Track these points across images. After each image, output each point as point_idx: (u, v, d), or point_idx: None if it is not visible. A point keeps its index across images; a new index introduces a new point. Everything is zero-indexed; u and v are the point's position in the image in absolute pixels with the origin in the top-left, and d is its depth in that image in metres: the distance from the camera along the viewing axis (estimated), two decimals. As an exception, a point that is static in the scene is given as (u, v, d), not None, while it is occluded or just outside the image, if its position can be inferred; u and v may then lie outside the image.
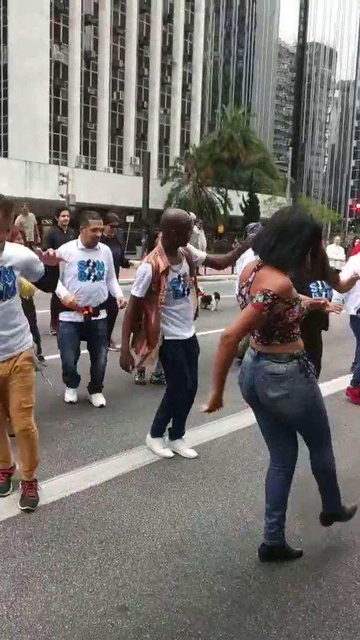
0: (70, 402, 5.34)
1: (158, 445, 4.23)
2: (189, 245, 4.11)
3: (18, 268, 3.14)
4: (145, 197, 24.46)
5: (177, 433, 4.30)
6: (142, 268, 3.97)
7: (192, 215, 12.20)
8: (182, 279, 4.04)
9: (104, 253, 5.29)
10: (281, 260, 2.53)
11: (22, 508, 3.32)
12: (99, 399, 5.35)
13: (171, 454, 4.18)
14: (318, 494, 3.81)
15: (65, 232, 7.95)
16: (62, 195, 31.21)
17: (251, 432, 4.43)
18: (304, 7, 36.10)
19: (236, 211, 46.38)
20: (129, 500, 3.50)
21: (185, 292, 4.08)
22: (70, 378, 5.38)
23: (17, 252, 3.15)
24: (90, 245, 5.16)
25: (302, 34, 35.99)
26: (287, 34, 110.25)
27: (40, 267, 3.24)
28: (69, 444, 4.36)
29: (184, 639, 2.35)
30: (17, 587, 2.63)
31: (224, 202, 43.96)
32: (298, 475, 4.10)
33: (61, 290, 5.06)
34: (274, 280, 2.52)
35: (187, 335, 4.14)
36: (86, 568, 2.80)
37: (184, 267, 4.08)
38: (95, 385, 5.43)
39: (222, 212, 44.78)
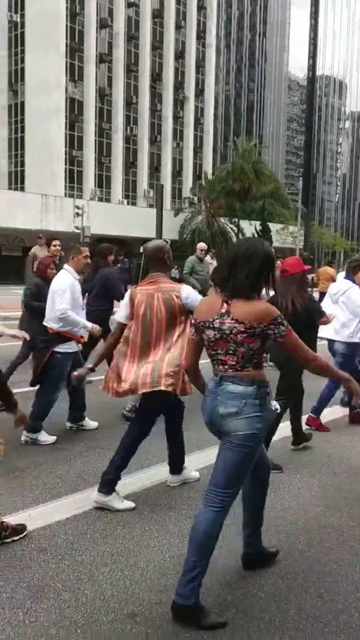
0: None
1: (117, 501, 3.77)
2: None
3: None
4: (158, 228, 24.89)
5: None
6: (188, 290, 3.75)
7: (203, 245, 12.50)
8: None
9: None
10: (236, 288, 2.56)
11: None
12: (91, 423, 5.43)
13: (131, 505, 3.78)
14: (321, 512, 3.94)
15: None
16: (77, 227, 31.83)
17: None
18: (313, 42, 37.05)
19: (249, 240, 46.77)
20: (140, 516, 3.65)
21: None
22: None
23: None
24: (81, 272, 5.16)
25: (312, 67, 36.82)
26: (297, 67, 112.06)
27: None
28: (83, 464, 4.53)
29: (189, 643, 2.49)
30: (33, 595, 2.78)
31: (236, 231, 44.46)
32: (303, 495, 4.22)
33: (84, 321, 4.93)
34: (255, 307, 2.56)
35: None
36: (98, 578, 2.94)
37: None
38: (84, 412, 5.42)
39: (235, 241, 45.25)
